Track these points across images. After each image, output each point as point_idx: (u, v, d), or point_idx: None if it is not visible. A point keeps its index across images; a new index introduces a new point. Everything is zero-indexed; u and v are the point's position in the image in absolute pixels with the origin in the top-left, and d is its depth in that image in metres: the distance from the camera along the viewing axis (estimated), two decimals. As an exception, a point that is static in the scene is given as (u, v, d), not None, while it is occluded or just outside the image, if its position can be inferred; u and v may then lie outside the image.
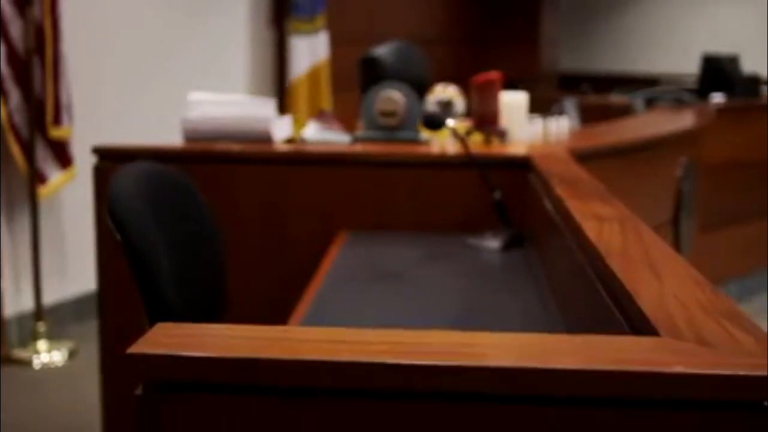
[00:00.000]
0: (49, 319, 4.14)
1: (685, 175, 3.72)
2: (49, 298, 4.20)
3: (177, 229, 1.96)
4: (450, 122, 2.51)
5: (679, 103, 4.57)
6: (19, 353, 4.03)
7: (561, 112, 3.40)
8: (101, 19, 4.55)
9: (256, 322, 1.98)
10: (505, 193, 2.58)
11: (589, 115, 4.19)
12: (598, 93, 5.52)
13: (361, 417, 1.00)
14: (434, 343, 1.02)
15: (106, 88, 4.56)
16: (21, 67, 3.96)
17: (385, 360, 0.97)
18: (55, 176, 4.10)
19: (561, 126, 3.29)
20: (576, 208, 1.83)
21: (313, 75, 5.51)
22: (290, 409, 1.02)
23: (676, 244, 3.74)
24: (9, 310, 4.08)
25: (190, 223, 2.05)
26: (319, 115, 3.05)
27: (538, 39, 7.17)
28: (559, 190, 2.03)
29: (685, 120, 3.96)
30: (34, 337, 4.07)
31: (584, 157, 2.88)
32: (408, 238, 2.63)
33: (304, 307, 2.02)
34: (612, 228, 1.65)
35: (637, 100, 4.51)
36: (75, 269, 4.30)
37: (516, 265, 2.37)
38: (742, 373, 0.94)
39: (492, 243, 2.53)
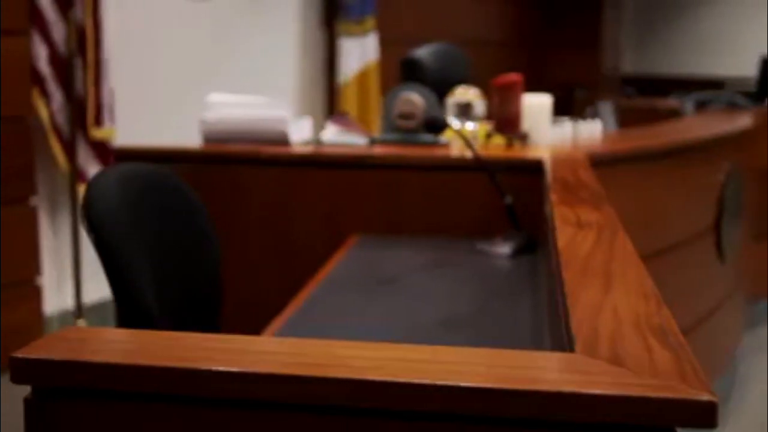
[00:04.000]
0: (90, 317, 4.19)
1: (728, 181, 3.59)
2: (90, 296, 4.24)
3: (162, 232, 1.94)
4: (454, 125, 2.45)
5: (731, 107, 4.42)
6: (60, 350, 4.09)
7: (594, 116, 3.30)
8: (149, 20, 4.59)
9: (259, 325, 1.97)
10: (519, 197, 2.51)
11: (635, 119, 4.09)
12: (660, 96, 5.39)
13: (240, 426, 0.96)
14: (323, 354, 0.98)
15: (152, 90, 4.61)
16: (63, 69, 4.01)
17: (260, 370, 0.93)
18: (97, 176, 4.14)
19: (593, 129, 3.20)
20: (561, 213, 1.76)
21: (363, 77, 5.49)
22: (177, 416, 0.99)
23: (718, 251, 3.62)
24: (50, 308, 4.14)
25: (179, 225, 2.03)
26: (337, 117, 3.02)
27: (600, 42, 7.01)
28: (554, 195, 1.96)
29: (731, 124, 3.82)
30: (75, 334, 4.12)
31: (609, 161, 2.80)
32: (418, 242, 2.58)
33: (290, 311, 1.99)
34: (587, 235, 1.58)
35: (688, 103, 4.38)
36: (115, 268, 4.33)
37: (521, 272, 2.30)
38: (634, 394, 0.87)
39: (502, 249, 2.46)
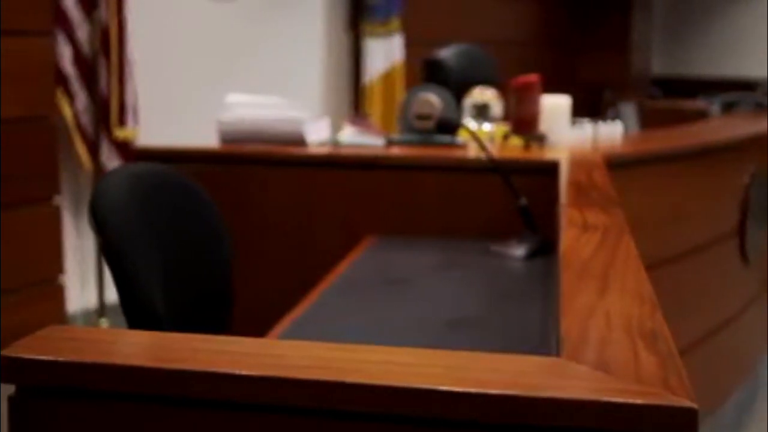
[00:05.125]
0: (112, 316, 4.21)
1: (753, 183, 3.54)
2: (113, 295, 4.25)
3: (171, 231, 1.94)
4: (471, 126, 2.44)
5: (759, 108, 4.36)
6: (83, 349, 4.11)
7: (615, 117, 3.27)
8: (173, 20, 4.61)
9: (274, 326, 1.97)
10: (535, 199, 2.49)
11: (659, 120, 4.04)
12: (689, 97, 5.32)
13: (215, 427, 0.96)
14: (302, 356, 0.97)
15: (176, 90, 4.63)
16: (87, 69, 4.04)
17: (228, 371, 0.92)
18: (121, 176, 4.17)
19: (613, 131, 3.17)
20: (569, 215, 1.75)
21: (388, 78, 5.48)
22: (157, 415, 0.98)
23: (742, 254, 3.57)
24: (73, 306, 4.17)
25: (189, 225, 2.03)
26: (354, 118, 3.01)
27: (629, 43, 6.95)
28: (564, 197, 1.95)
29: (756, 125, 3.76)
30: (98, 333, 4.15)
31: (627, 162, 2.78)
32: (432, 243, 2.56)
33: (298, 311, 1.99)
34: (591, 238, 1.56)
35: (714, 105, 4.32)
36: (139, 268, 4.36)
37: (534, 274, 2.28)
38: (613, 400, 0.85)
39: (516, 251, 2.44)
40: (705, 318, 3.35)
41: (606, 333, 1.06)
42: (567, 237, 1.55)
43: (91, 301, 4.24)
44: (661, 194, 2.98)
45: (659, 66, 7.65)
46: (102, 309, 4.18)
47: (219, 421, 0.97)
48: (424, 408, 0.86)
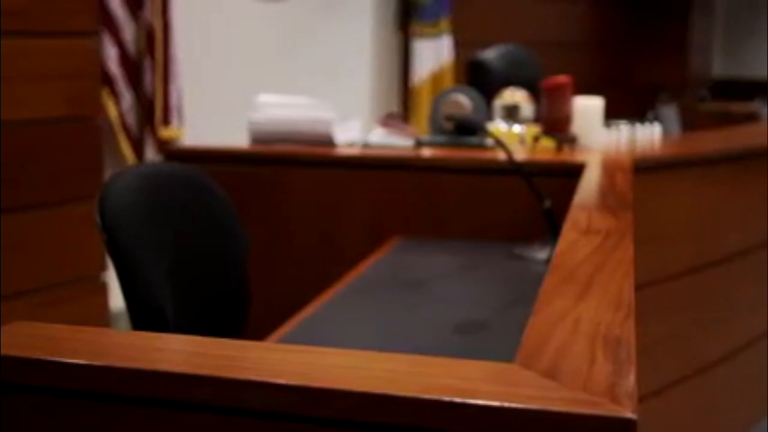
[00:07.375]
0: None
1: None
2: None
3: (182, 231, 1.95)
4: (501, 127, 2.41)
5: (812, 112, 4.24)
6: (127, 345, 4.16)
7: (654, 119, 3.21)
8: (219, 20, 4.65)
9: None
10: (561, 202, 2.44)
11: (706, 123, 3.96)
12: (745, 100, 5.20)
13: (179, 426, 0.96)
14: (251, 357, 0.96)
15: (222, 90, 4.66)
16: (133, 70, 4.09)
17: (167, 369, 0.92)
18: (165, 175, 4.22)
19: (651, 133, 3.11)
20: (574, 217, 1.71)
21: (437, 78, 5.47)
22: (123, 415, 0.99)
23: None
24: (116, 304, 4.22)
25: (202, 224, 2.04)
26: (385, 119, 3.00)
27: (688, 44, 6.81)
28: (577, 199, 1.91)
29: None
30: (141, 330, 4.20)
31: (659, 166, 2.72)
32: (457, 245, 2.54)
33: (307, 311, 1.99)
34: (589, 242, 1.53)
35: (764, 108, 4.22)
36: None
37: (553, 278, 2.24)
38: (548, 408, 0.83)
39: (539, 254, 2.41)
40: (745, 325, 3.27)
41: (567, 340, 1.03)
42: (564, 241, 1.52)
43: (134, 298, 4.29)
44: (697, 198, 2.91)
45: (721, 68, 7.49)
46: (145, 306, 4.23)
47: (172, 422, 0.97)
48: (353, 411, 0.85)
